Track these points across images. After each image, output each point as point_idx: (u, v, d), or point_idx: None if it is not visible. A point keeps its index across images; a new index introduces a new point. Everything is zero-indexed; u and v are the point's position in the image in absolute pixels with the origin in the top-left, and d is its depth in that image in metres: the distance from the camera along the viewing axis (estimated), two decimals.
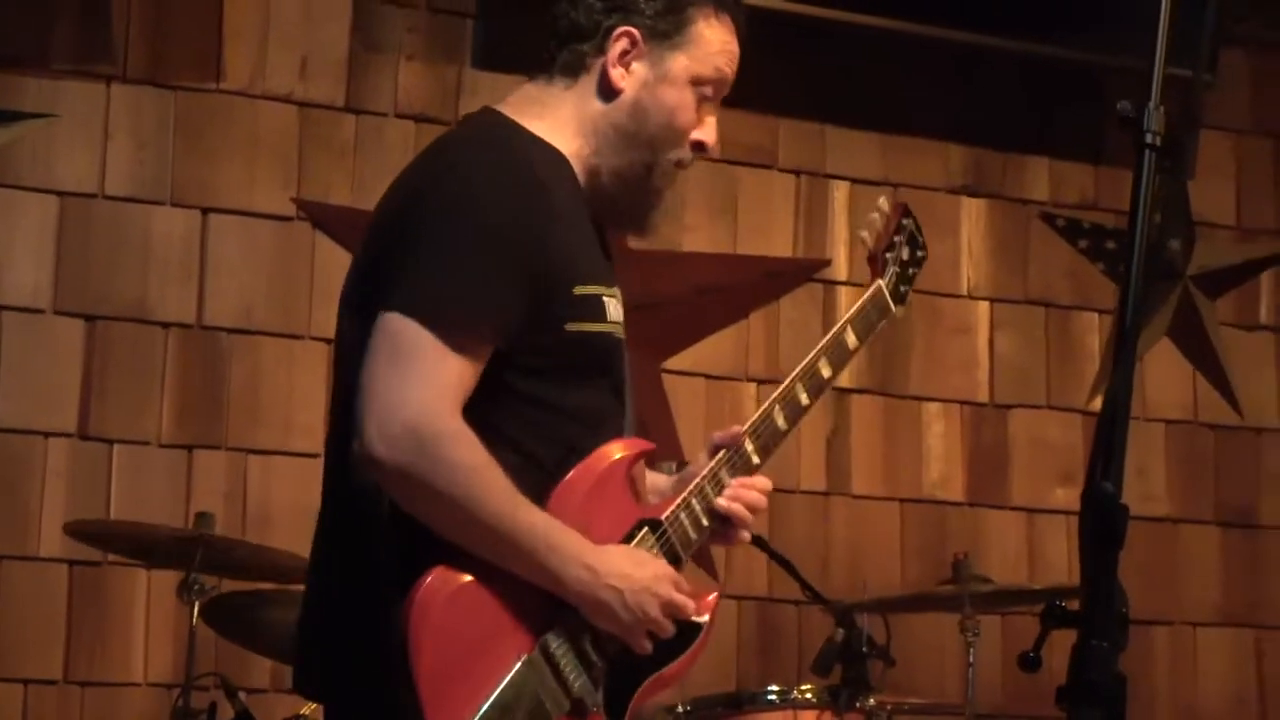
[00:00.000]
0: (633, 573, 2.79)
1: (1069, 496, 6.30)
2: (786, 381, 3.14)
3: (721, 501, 2.97)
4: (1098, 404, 6.40)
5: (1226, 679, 6.47)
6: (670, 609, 2.81)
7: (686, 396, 5.92)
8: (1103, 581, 1.93)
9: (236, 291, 5.43)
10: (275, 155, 5.52)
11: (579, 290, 2.85)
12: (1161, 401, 6.51)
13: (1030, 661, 1.98)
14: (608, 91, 2.95)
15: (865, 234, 3.38)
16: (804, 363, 3.16)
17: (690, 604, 2.85)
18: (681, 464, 3.23)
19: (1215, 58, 6.36)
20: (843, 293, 6.10)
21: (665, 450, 5.66)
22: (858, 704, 4.23)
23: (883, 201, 3.44)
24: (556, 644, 2.77)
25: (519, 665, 2.73)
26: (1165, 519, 6.46)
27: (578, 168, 2.97)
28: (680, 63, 2.95)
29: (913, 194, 6.23)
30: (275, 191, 5.48)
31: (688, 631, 2.90)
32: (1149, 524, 6.42)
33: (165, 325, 5.39)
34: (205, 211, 5.46)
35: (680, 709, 4.21)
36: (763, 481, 3.06)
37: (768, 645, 5.80)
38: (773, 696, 4.20)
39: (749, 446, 3.04)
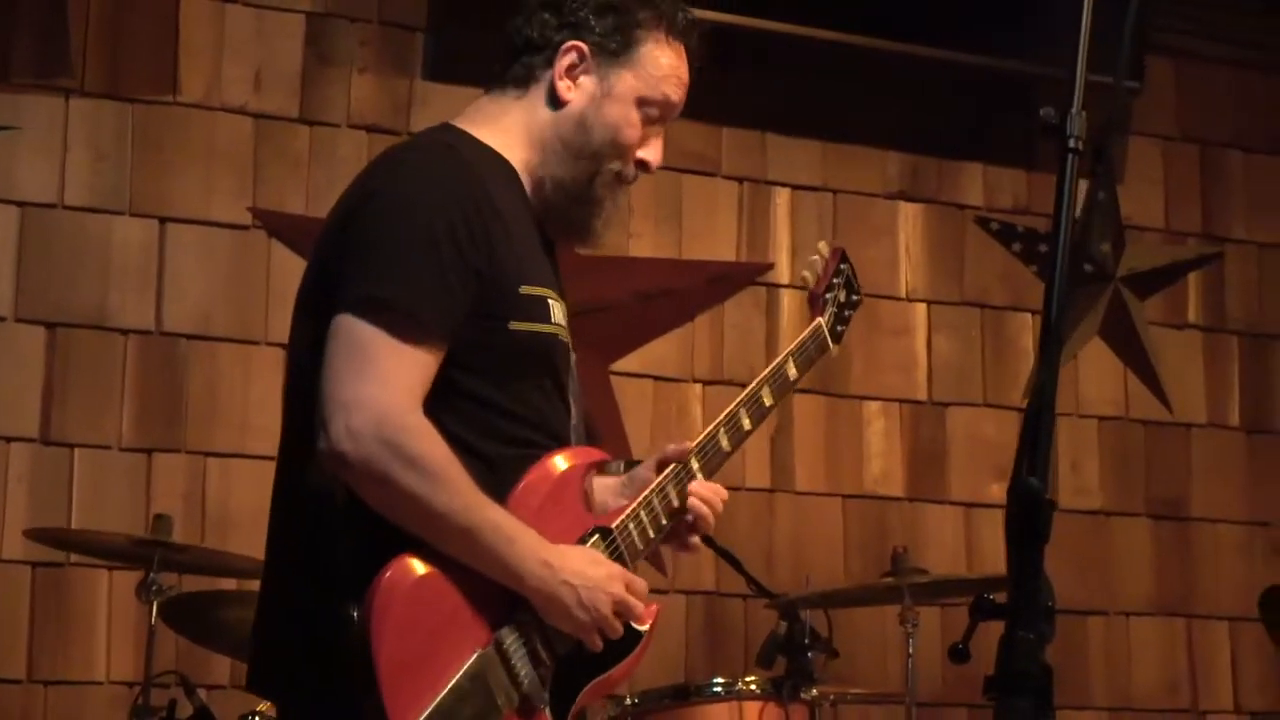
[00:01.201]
0: (588, 570, 2.78)
1: (1002, 491, 6.27)
2: (731, 406, 3.15)
3: (692, 500, 3.00)
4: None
5: (1160, 666, 6.49)
6: (622, 608, 2.80)
7: (634, 397, 5.91)
8: (1028, 575, 1.91)
9: (194, 299, 5.40)
10: (231, 166, 5.49)
11: (524, 290, 2.84)
12: (1094, 399, 6.53)
13: (959, 653, 1.97)
14: (555, 103, 2.95)
15: (807, 274, 3.43)
16: (747, 390, 3.19)
17: (640, 606, 2.84)
18: (630, 463, 3.22)
19: (1141, 66, 6.40)
20: (785, 296, 6.11)
21: (614, 449, 5.64)
22: (801, 695, 4.22)
23: (822, 246, 3.49)
24: (510, 640, 2.76)
25: (474, 658, 2.71)
26: (1099, 512, 6.48)
27: (525, 178, 2.96)
28: (626, 81, 2.95)
29: (851, 199, 6.27)
30: (231, 201, 5.45)
31: (630, 637, 2.89)
32: (1083, 517, 6.45)
33: (125, 332, 5.35)
34: (163, 221, 5.42)
35: (629, 701, 4.20)
36: (720, 490, 3.07)
37: (715, 639, 5.79)
38: (718, 688, 4.18)
39: (695, 465, 3.05)
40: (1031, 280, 6.46)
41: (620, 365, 5.92)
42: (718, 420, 3.13)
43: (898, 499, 6.19)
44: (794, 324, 5.92)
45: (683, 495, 3.01)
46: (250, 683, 2.94)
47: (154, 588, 4.48)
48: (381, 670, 2.60)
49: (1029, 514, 1.94)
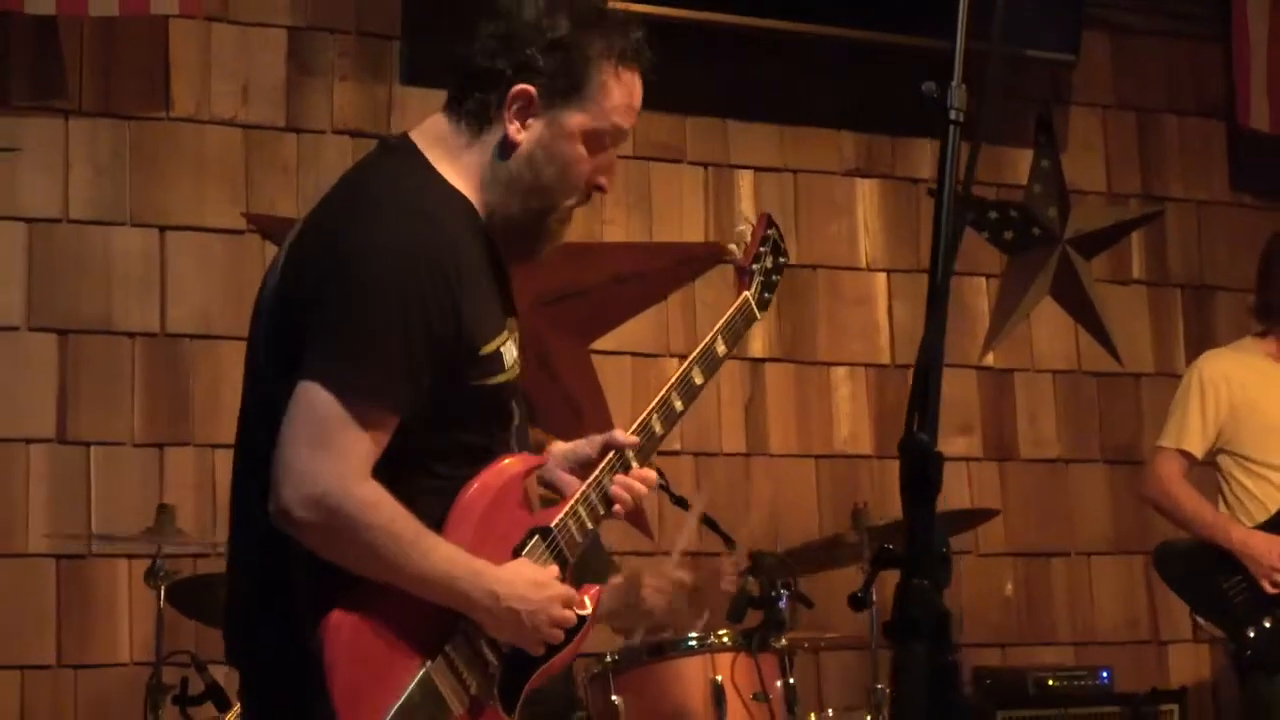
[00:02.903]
0: (531, 595, 2.77)
1: (967, 444, 6.31)
2: (663, 391, 3.10)
3: (614, 488, 2.95)
4: (989, 360, 6.41)
5: (1120, 602, 6.48)
6: (559, 624, 2.81)
7: (614, 374, 5.90)
8: (922, 524, 1.88)
9: (195, 301, 5.39)
10: (223, 175, 5.47)
11: (483, 351, 2.77)
12: (1048, 354, 6.51)
13: (858, 601, 1.94)
14: (506, 146, 2.81)
15: (733, 247, 3.34)
16: (678, 373, 3.13)
17: (574, 617, 2.85)
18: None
19: (1078, 41, 6.37)
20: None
21: (597, 424, 5.62)
22: (770, 644, 4.19)
23: (749, 215, 3.40)
24: (456, 651, 2.76)
25: (423, 672, 2.72)
26: (1057, 460, 6.47)
27: (481, 212, 2.85)
28: (576, 120, 2.79)
29: (810, 179, 6.24)
30: (225, 208, 5.43)
31: (574, 625, 2.90)
32: (1043, 465, 6.44)
33: (131, 335, 5.34)
34: (162, 229, 5.41)
35: (609, 658, 4.17)
36: (649, 475, 3.02)
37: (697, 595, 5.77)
38: (692, 642, 4.16)
39: (629, 452, 3.00)
40: (983, 246, 6.45)
41: (600, 344, 5.91)
42: (650, 406, 3.08)
43: (867, 457, 6.17)
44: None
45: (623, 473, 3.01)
46: (228, 656, 2.94)
47: (161, 573, 4.46)
48: (337, 697, 2.62)
49: (920, 467, 1.91)
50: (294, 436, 2.62)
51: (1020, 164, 6.57)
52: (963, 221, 1.93)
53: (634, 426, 3.05)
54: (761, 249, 3.33)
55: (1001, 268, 6.48)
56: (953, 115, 1.99)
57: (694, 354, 3.17)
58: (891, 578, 1.99)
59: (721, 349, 3.20)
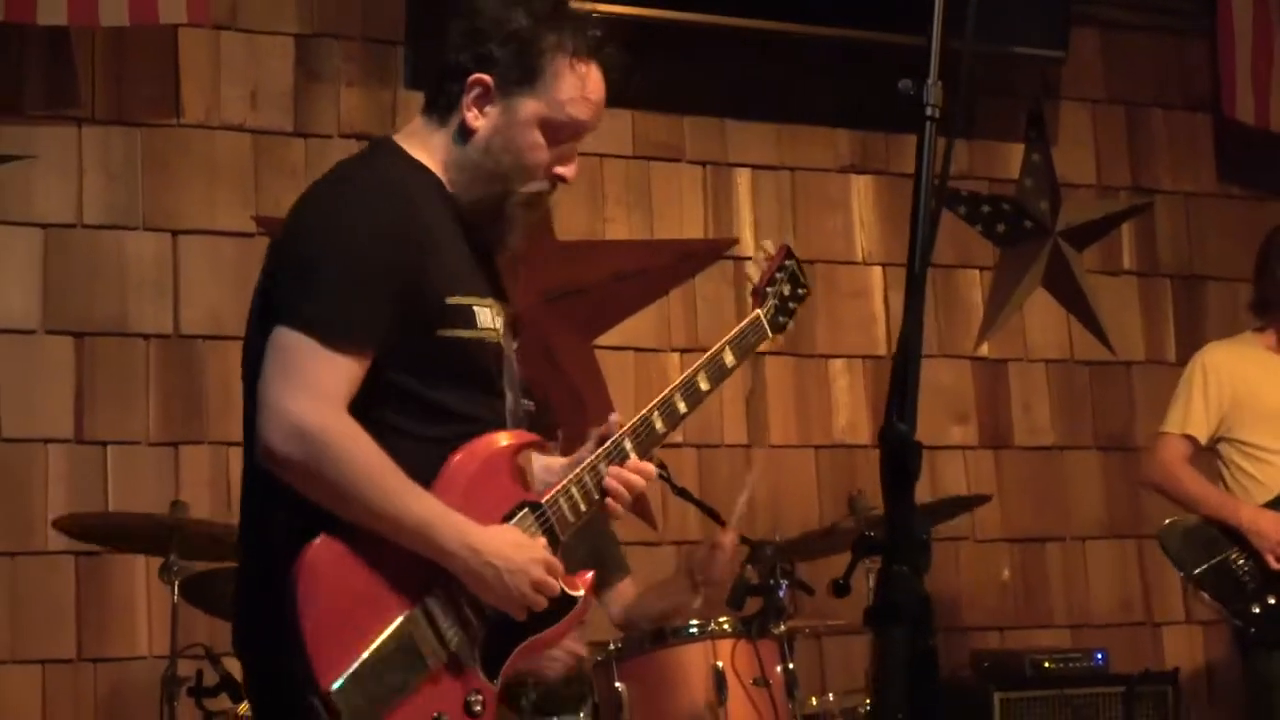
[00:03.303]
0: (511, 554, 2.78)
1: (963, 433, 6.30)
2: (667, 390, 3.14)
3: (608, 480, 2.97)
4: (983, 350, 6.40)
5: (1114, 585, 6.48)
6: (540, 588, 2.80)
7: (617, 368, 5.90)
8: (902, 511, 1.87)
9: (207, 302, 5.38)
10: (233, 179, 5.47)
11: (450, 300, 2.82)
12: (1041, 344, 6.50)
13: (840, 588, 1.93)
14: (465, 132, 2.91)
15: (750, 270, 3.46)
16: (685, 375, 3.18)
17: (556, 585, 2.84)
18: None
19: (1067, 37, 6.36)
20: (751, 268, 6.05)
21: (600, 415, 5.62)
22: (770, 631, 4.19)
23: (768, 244, 3.51)
24: (436, 605, 2.76)
25: (400, 620, 2.72)
26: (1052, 447, 6.46)
27: (449, 189, 2.94)
28: (530, 107, 2.88)
29: (807, 176, 6.23)
30: (235, 211, 5.43)
31: (564, 604, 2.91)
32: (1037, 453, 6.43)
33: (145, 336, 5.34)
34: (174, 233, 5.41)
35: (612, 646, 4.17)
36: (647, 468, 3.03)
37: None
38: (693, 630, 4.15)
39: (628, 444, 3.03)
40: (976, 239, 6.44)
41: (603, 340, 5.90)
42: (652, 403, 3.11)
43: (865, 446, 6.15)
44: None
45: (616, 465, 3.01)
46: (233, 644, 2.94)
47: (174, 569, 4.46)
48: (306, 635, 2.62)
49: (900, 456, 1.89)
50: (269, 377, 2.70)
51: (1012, 158, 6.56)
52: (938, 213, 1.92)
53: (633, 421, 3.07)
54: (778, 274, 3.44)
55: (995, 260, 6.47)
56: (929, 111, 1.98)
57: (701, 361, 3.21)
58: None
59: (730, 360, 3.25)
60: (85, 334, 5.28)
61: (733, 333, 3.29)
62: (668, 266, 5.99)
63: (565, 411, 5.63)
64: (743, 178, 6.16)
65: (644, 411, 3.09)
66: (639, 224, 6.00)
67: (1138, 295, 6.67)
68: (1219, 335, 6.58)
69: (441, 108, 2.94)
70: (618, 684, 4.07)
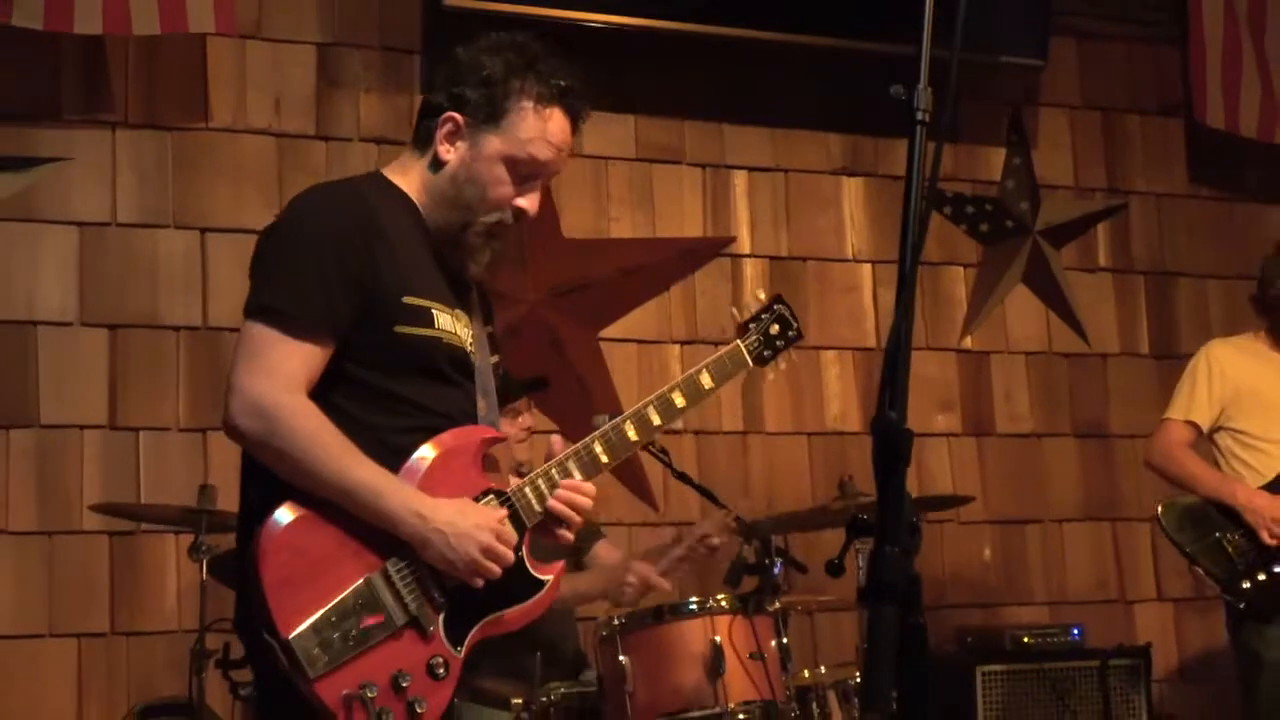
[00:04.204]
0: (456, 520, 2.83)
1: (947, 422, 6.28)
2: (642, 403, 3.19)
3: (551, 502, 2.99)
4: (967, 342, 6.38)
5: (1090, 565, 6.46)
6: (489, 553, 2.84)
7: (621, 359, 5.89)
8: (893, 495, 1.85)
9: (234, 297, 5.24)
10: (258, 180, 5.46)
11: (407, 300, 2.89)
12: (1021, 337, 6.49)
13: (834, 568, 1.91)
14: (438, 163, 3.01)
15: (736, 311, 3.52)
16: (661, 390, 3.22)
17: (504, 551, 2.86)
18: (614, 416, 3.22)
19: (1046, 46, 6.34)
20: (747, 264, 6.10)
21: (604, 403, 5.64)
22: (765, 608, 4.17)
23: (760, 293, 3.55)
24: (396, 570, 2.82)
25: (361, 581, 2.79)
26: (1031, 435, 6.44)
27: (427, 220, 3.02)
28: (494, 145, 2.97)
29: (800, 177, 6.22)
30: (261, 211, 5.37)
31: (532, 585, 2.96)
32: (1017, 440, 6.42)
33: (176, 329, 5.33)
34: (203, 231, 5.40)
35: (616, 621, 4.16)
36: (589, 488, 3.05)
37: (702, 562, 5.74)
38: (693, 606, 4.14)
39: (598, 448, 3.08)
40: (961, 238, 6.43)
41: (607, 332, 5.89)
42: (625, 414, 3.15)
43: (855, 433, 6.14)
44: (755, 289, 5.88)
45: (584, 471, 3.04)
46: None
47: (203, 548, 4.45)
48: (266, 588, 2.71)
49: (891, 443, 1.87)
50: (235, 363, 2.82)
51: (994, 161, 6.54)
52: (928, 213, 1.90)
53: (603, 428, 3.11)
54: (764, 315, 3.48)
55: (978, 257, 6.46)
56: (919, 116, 1.96)
57: (680, 378, 3.27)
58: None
59: (707, 382, 3.31)
60: (119, 326, 5.27)
61: (712, 357, 3.36)
62: (668, 263, 5.98)
63: (571, 397, 5.64)
64: (739, 179, 6.14)
65: (618, 419, 3.13)
66: (641, 223, 5.99)
67: (1112, 291, 6.65)
68: (1189, 329, 6.60)
69: (422, 141, 3.04)
70: (621, 657, 4.05)
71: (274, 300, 2.82)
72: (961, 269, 6.42)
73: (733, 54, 5.97)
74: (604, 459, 3.07)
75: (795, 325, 3.52)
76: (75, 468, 5.16)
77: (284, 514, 2.75)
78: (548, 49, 3.04)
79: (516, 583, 2.92)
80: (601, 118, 5.92)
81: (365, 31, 5.66)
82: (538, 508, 2.97)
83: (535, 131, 2.98)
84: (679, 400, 3.21)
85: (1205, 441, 5.24)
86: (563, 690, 4.26)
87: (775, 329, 3.47)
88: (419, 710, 2.79)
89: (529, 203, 3.02)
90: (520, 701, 4.16)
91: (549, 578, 2.97)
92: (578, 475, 3.03)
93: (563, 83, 3.01)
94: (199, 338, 5.34)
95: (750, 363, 3.42)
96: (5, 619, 5.04)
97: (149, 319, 5.30)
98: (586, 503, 3.02)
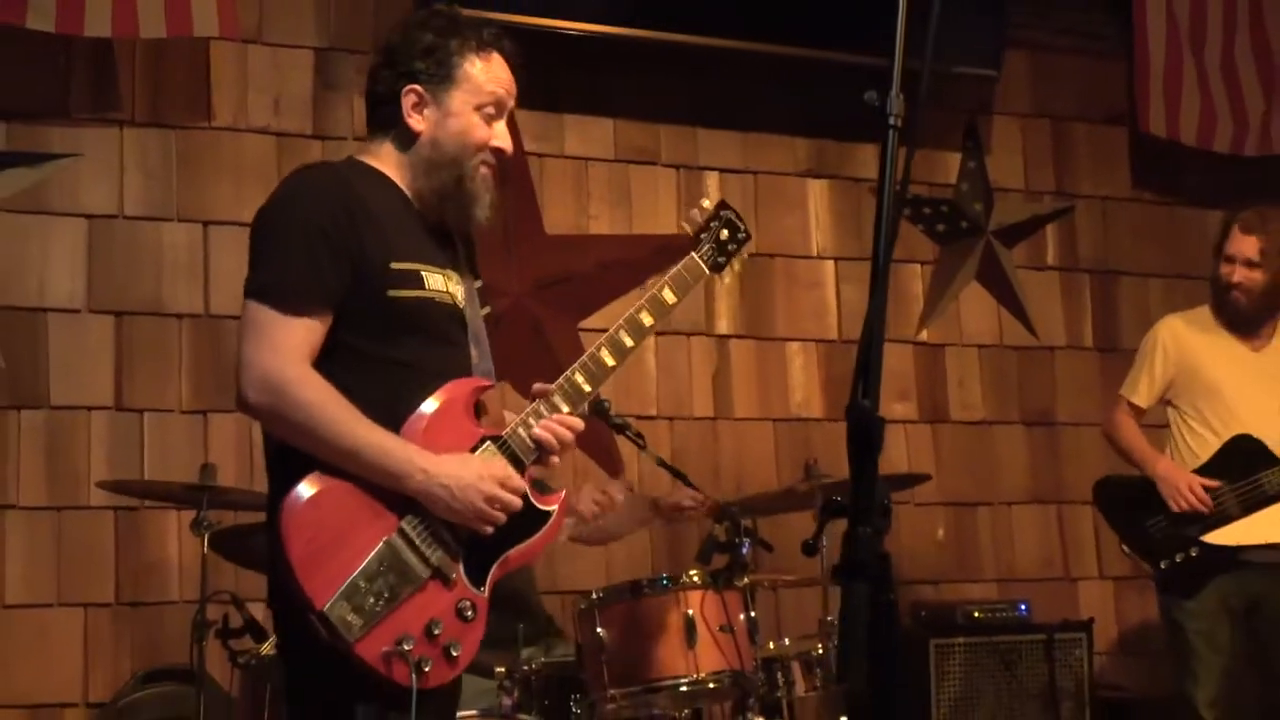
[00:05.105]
0: (460, 472, 2.84)
1: (904, 409, 6.29)
2: (614, 326, 3.19)
3: (536, 430, 2.99)
4: (924, 335, 6.38)
5: (1036, 545, 6.47)
6: (493, 501, 2.86)
7: None
8: (866, 479, 1.84)
9: (234, 287, 5.14)
10: (258, 177, 5.40)
11: (395, 265, 2.90)
12: (974, 330, 6.49)
13: (809, 548, 1.90)
14: (411, 136, 3.02)
15: (685, 225, 3.47)
16: (627, 314, 3.22)
17: (510, 498, 2.88)
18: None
19: (1001, 58, 6.34)
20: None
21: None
22: (734, 584, 4.15)
23: (705, 202, 3.50)
24: (411, 527, 2.83)
25: (381, 544, 2.80)
26: (982, 422, 6.45)
27: (410, 195, 3.03)
28: (458, 99, 3.02)
29: (769, 179, 6.20)
30: (259, 205, 5.35)
31: (539, 518, 2.98)
32: (969, 427, 6.42)
33: (179, 317, 5.30)
34: (205, 224, 5.36)
35: (594, 595, 4.13)
36: (574, 421, 3.05)
37: (674, 541, 5.75)
38: (666, 582, 4.11)
39: (579, 378, 3.09)
40: (919, 237, 6.42)
41: (587, 323, 5.86)
42: (599, 340, 3.16)
43: (818, 420, 6.14)
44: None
45: (570, 402, 3.05)
46: None
47: (205, 524, 4.42)
48: (295, 565, 2.71)
49: (864, 429, 1.87)
50: (241, 342, 2.84)
51: (950, 166, 6.53)
52: (899, 214, 1.89)
53: (582, 358, 3.14)
54: (712, 223, 3.43)
55: (934, 256, 6.45)
56: (891, 121, 1.95)
57: (644, 298, 3.26)
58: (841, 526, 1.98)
59: (670, 298, 3.29)
60: (124, 313, 5.23)
61: (670, 272, 3.32)
62: (645, 258, 5.95)
63: (551, 382, 5.60)
64: (712, 180, 6.12)
65: (592, 349, 3.15)
66: (620, 220, 5.97)
67: (1060, 288, 6.66)
68: (1131, 325, 6.61)
69: (380, 126, 3.06)
70: (599, 629, 4.02)
71: (269, 279, 2.84)
72: (919, 266, 6.41)
73: (706, 62, 5.95)
74: (586, 387, 3.08)
75: (743, 227, 3.47)
76: (82, 446, 5.12)
77: (299, 494, 2.75)
78: (454, 10, 3.10)
79: (524, 518, 2.93)
80: (582, 120, 5.94)
81: (360, 38, 5.62)
82: (532, 444, 2.97)
83: (486, 76, 3.03)
84: (646, 319, 3.21)
85: (1162, 410, 5.29)
86: (543, 660, 4.25)
87: (725, 234, 3.43)
88: (454, 653, 2.82)
89: (504, 142, 3.06)
90: (503, 670, 4.14)
91: (553, 508, 2.99)
92: (564, 406, 3.03)
93: (488, 31, 3.07)
94: (201, 325, 5.30)
95: (707, 271, 3.40)
96: (16, 589, 5.00)
97: (153, 307, 5.26)
98: (569, 434, 3.01)
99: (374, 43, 5.60)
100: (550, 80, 5.70)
